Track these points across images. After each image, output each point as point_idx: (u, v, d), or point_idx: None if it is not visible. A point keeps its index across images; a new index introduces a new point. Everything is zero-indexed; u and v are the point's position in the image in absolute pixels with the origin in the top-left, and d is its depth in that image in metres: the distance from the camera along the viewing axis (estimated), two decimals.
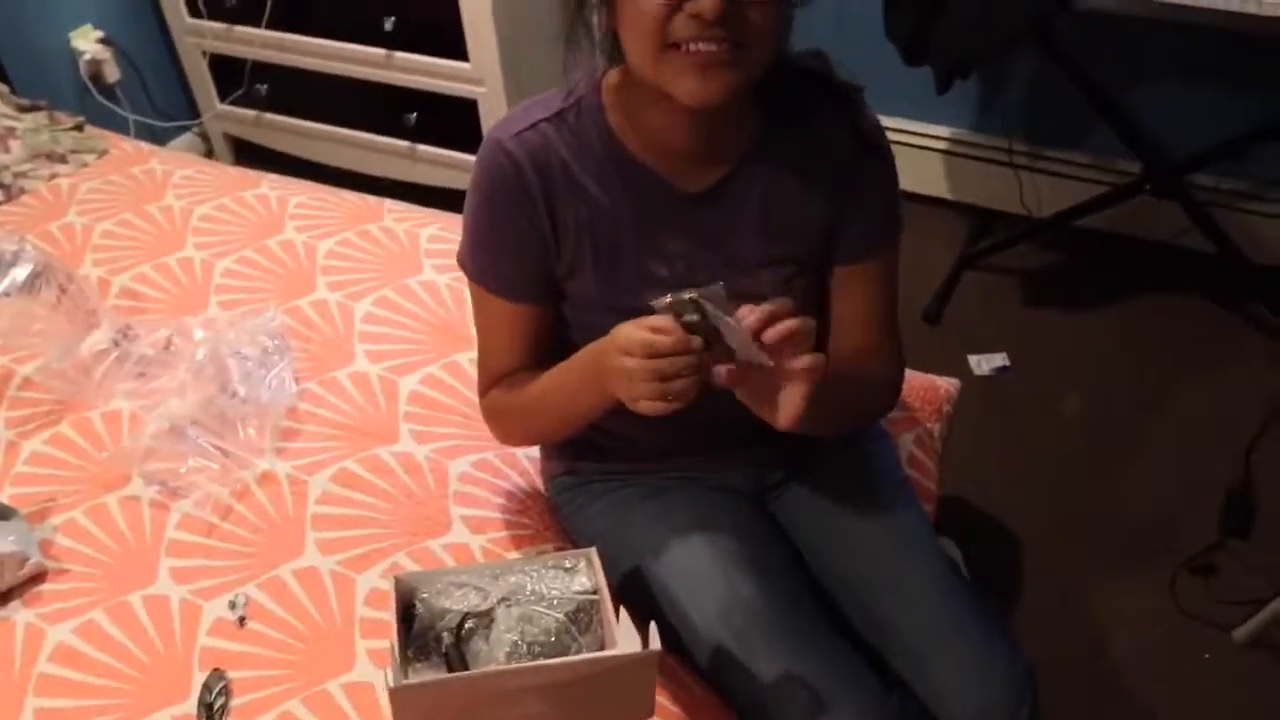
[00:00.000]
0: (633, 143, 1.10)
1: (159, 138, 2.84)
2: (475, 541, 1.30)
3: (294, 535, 1.31)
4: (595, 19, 1.03)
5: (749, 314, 0.94)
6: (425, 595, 1.11)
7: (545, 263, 1.13)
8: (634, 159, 1.10)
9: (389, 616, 1.11)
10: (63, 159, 2.03)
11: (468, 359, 1.55)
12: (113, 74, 2.71)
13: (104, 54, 2.66)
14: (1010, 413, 2.14)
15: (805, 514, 1.29)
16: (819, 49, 1.12)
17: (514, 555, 1.28)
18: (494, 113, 2.49)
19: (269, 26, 2.58)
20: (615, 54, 1.04)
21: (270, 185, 1.92)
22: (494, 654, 1.06)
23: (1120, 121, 2.23)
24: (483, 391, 1.23)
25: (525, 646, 1.06)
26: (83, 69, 2.65)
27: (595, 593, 1.11)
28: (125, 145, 2.09)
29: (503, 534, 1.31)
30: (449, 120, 2.55)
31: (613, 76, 1.10)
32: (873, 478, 1.31)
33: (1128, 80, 2.33)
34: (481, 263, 1.15)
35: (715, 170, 1.11)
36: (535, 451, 1.41)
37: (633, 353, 0.96)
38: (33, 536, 1.31)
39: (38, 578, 1.28)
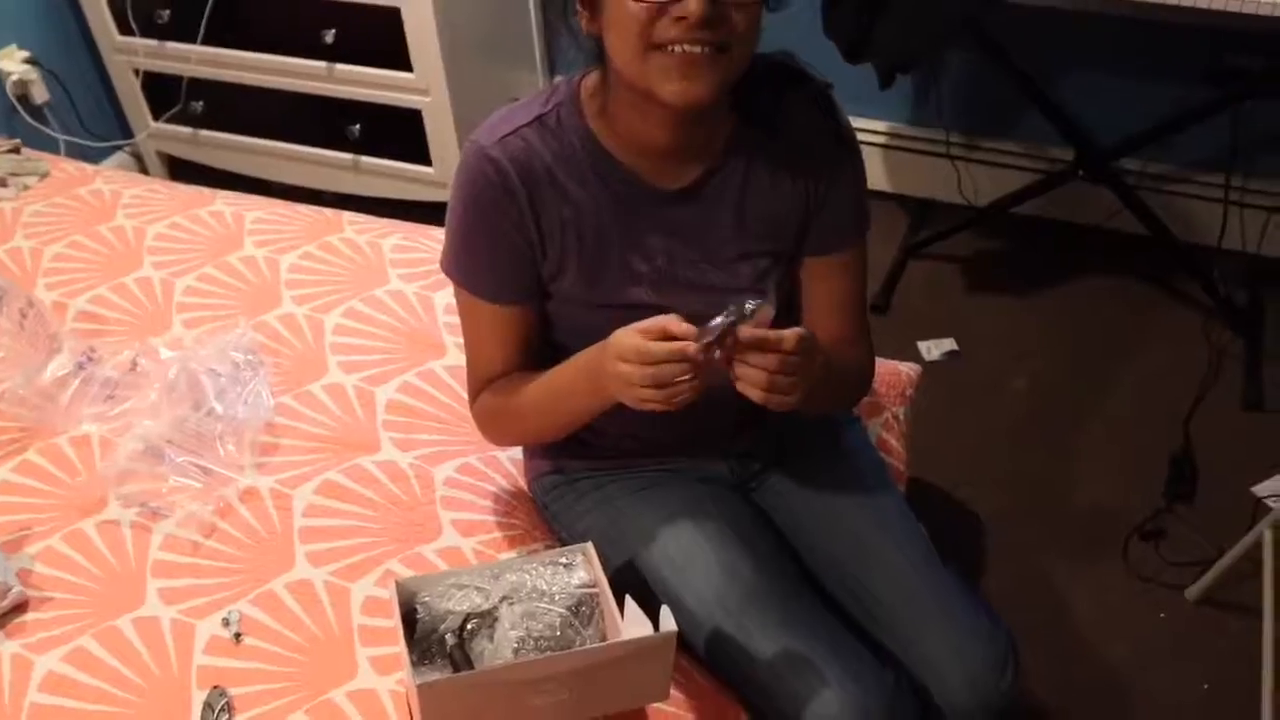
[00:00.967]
0: (612, 143, 1.12)
1: (90, 158, 2.77)
2: (467, 544, 1.31)
3: (283, 549, 1.30)
4: (579, 23, 1.05)
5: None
6: (427, 599, 1.12)
7: (530, 265, 1.15)
8: (614, 159, 1.12)
9: (390, 623, 1.12)
10: (3, 183, 1.98)
11: (442, 365, 1.56)
12: (41, 94, 2.64)
13: (31, 74, 2.60)
14: (962, 395, 2.22)
15: (788, 499, 1.33)
16: (786, 49, 1.16)
17: (507, 556, 1.29)
18: (439, 122, 2.49)
19: (204, 42, 2.54)
20: (597, 57, 1.06)
21: (225, 201, 1.90)
22: (499, 652, 1.08)
23: (1051, 111, 2.32)
24: (473, 395, 1.24)
25: (532, 642, 1.08)
26: (9, 90, 2.58)
27: (594, 586, 1.14)
28: (67, 166, 2.04)
29: (493, 536, 1.33)
30: (393, 131, 2.54)
31: (592, 79, 1.12)
32: (850, 461, 1.36)
33: (1056, 71, 2.42)
34: (467, 268, 1.17)
35: (693, 168, 1.14)
36: (518, 453, 1.42)
37: (629, 359, 0.99)
38: (10, 566, 1.28)
39: (19, 608, 1.25)
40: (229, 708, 1.14)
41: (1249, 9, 1.84)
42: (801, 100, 1.15)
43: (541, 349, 1.22)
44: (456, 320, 1.27)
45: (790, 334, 0.99)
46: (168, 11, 2.53)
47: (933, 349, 2.33)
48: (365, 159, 2.63)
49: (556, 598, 1.12)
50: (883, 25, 1.93)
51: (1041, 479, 2.05)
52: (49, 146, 2.57)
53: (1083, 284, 2.49)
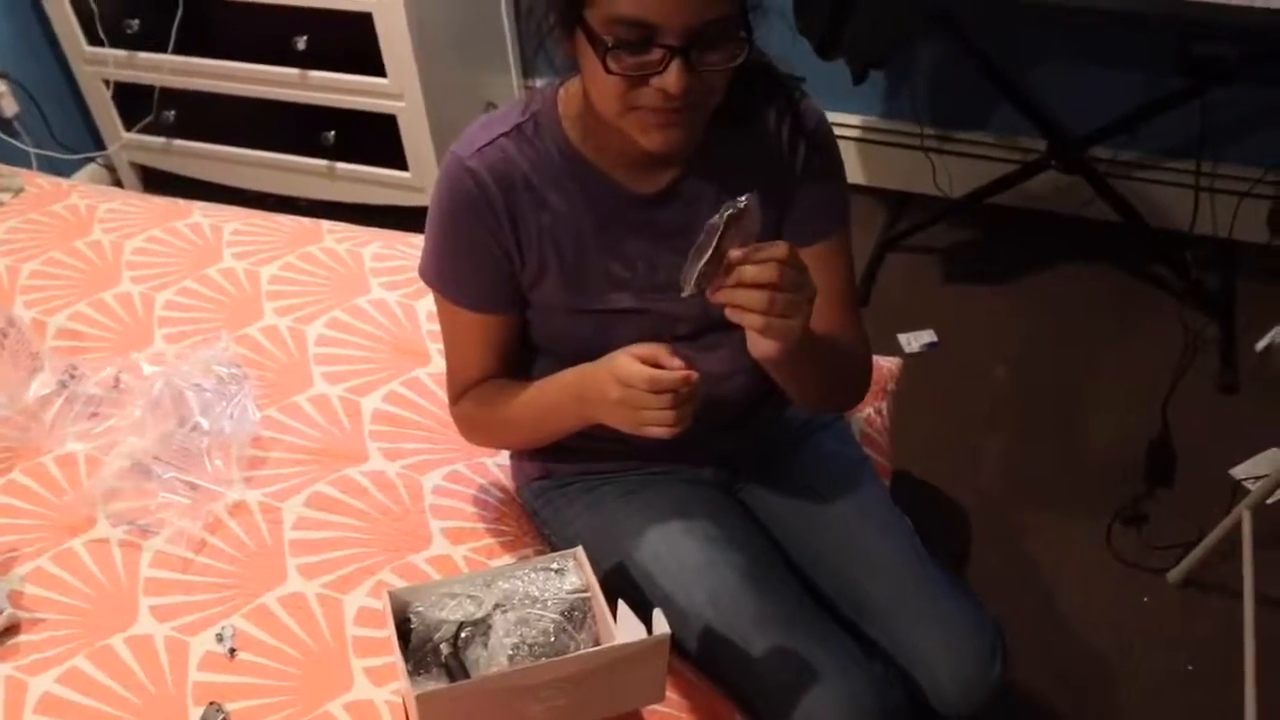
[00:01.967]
0: (589, 150, 1.13)
1: (63, 170, 2.76)
2: (457, 552, 1.32)
3: (274, 563, 1.31)
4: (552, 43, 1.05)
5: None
6: (420, 609, 1.13)
7: (510, 274, 1.16)
8: (591, 166, 1.13)
9: (384, 633, 1.13)
10: None
11: (427, 373, 1.56)
12: (10, 108, 2.62)
13: None
14: (943, 386, 2.24)
15: (775, 498, 1.34)
16: (758, 46, 1.17)
17: (498, 563, 1.30)
18: (414, 126, 2.49)
19: (175, 51, 2.53)
20: (574, 68, 1.07)
21: (203, 213, 1.89)
22: (494, 659, 1.09)
23: (1023, 102, 2.35)
24: (453, 399, 1.26)
25: (526, 648, 1.09)
26: None
27: (586, 590, 1.15)
28: (42, 181, 2.03)
29: (484, 542, 1.33)
30: (368, 136, 2.54)
31: (570, 87, 1.13)
32: (835, 459, 1.37)
33: (1027, 62, 2.45)
34: (446, 277, 1.17)
35: (669, 171, 1.15)
36: (505, 459, 1.43)
37: (635, 385, 1.01)
38: (0, 589, 1.28)
39: (11, 630, 1.25)
40: None
41: None
42: (773, 96, 1.16)
43: (521, 354, 1.23)
44: (439, 327, 1.28)
45: (782, 243, 0.96)
46: (136, 21, 2.51)
47: (912, 341, 2.35)
48: (340, 165, 2.62)
49: (549, 603, 1.13)
50: (852, 24, 1.95)
51: (1023, 467, 2.08)
52: (20, 160, 2.55)
53: (1059, 272, 2.52)
